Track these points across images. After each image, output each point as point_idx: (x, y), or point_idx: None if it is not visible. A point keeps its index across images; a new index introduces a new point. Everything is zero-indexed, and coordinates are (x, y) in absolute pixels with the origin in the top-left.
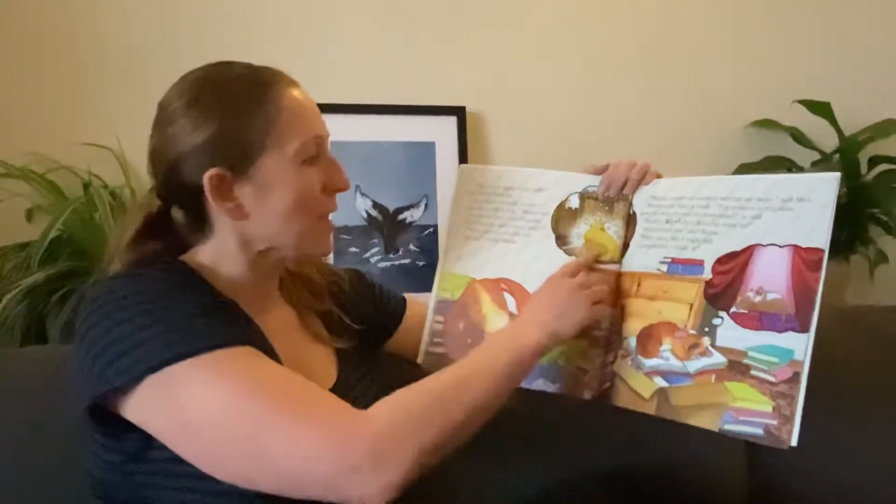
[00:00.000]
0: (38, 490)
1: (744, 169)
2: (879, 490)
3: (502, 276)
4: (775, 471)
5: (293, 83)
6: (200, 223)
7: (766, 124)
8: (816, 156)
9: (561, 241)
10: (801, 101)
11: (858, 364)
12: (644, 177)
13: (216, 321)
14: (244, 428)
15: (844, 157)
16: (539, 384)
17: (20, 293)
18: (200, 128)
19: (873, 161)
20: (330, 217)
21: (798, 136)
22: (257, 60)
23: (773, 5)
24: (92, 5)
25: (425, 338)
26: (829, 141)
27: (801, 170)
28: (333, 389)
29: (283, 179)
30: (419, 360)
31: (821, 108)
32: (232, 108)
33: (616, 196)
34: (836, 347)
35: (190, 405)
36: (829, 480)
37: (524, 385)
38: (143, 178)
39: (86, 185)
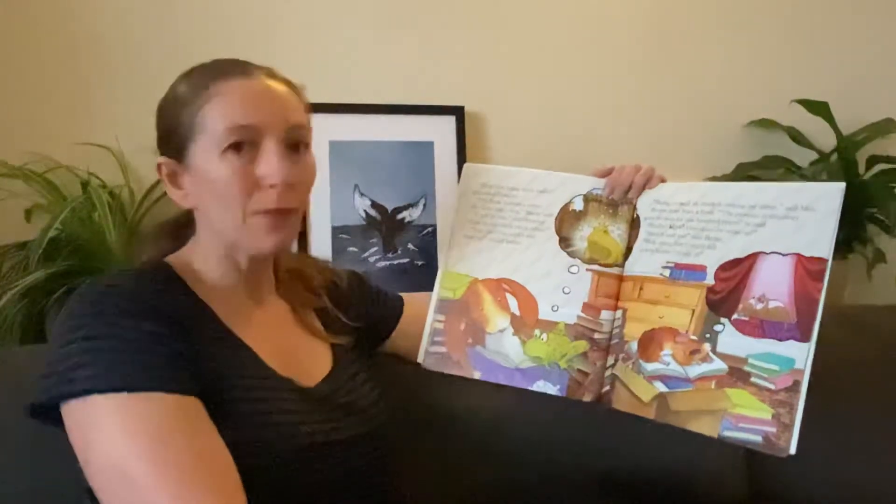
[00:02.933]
0: (38, 488)
1: (742, 168)
2: (877, 489)
3: (505, 277)
4: (774, 471)
5: (251, 73)
6: (190, 215)
7: (765, 124)
8: (814, 155)
9: (564, 243)
10: (800, 101)
11: (856, 363)
12: (649, 181)
13: (160, 360)
14: (131, 487)
15: (842, 157)
16: (539, 386)
17: (19, 292)
18: (159, 122)
19: (871, 160)
20: (290, 214)
21: (796, 136)
22: (256, 60)
23: (771, 5)
24: (91, 4)
25: (426, 337)
26: (828, 140)
27: (799, 169)
28: (325, 382)
29: (207, 169)
30: (419, 358)
31: (819, 108)
32: (176, 99)
33: (620, 199)
34: (833, 347)
35: (95, 445)
36: (828, 481)
37: (525, 386)
38: (142, 178)
39: (84, 185)
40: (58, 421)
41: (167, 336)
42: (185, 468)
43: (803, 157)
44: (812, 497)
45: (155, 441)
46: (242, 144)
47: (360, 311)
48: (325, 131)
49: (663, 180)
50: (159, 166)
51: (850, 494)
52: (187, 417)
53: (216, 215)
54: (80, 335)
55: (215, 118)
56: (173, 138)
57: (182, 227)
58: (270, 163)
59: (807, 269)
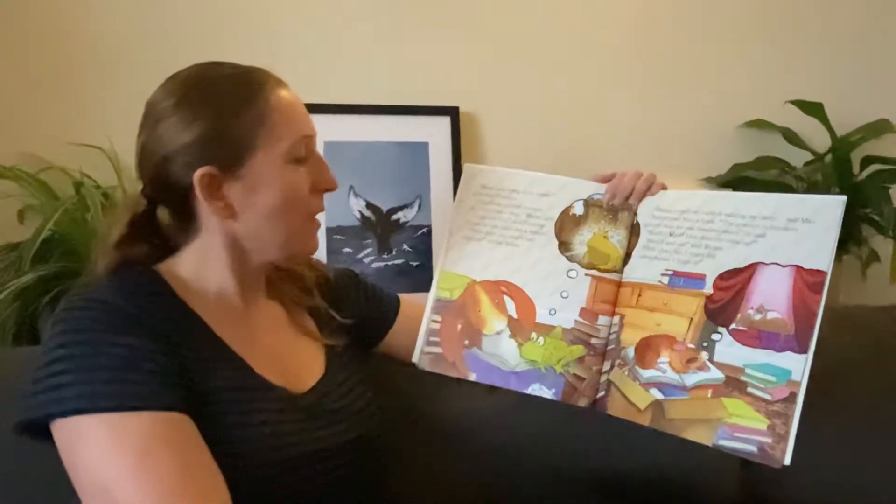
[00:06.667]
0: (31, 491)
1: (737, 169)
2: (870, 490)
3: (503, 279)
4: (767, 474)
5: (281, 83)
6: (187, 222)
7: (759, 124)
8: (809, 156)
9: (564, 247)
10: (794, 102)
11: (850, 364)
12: (650, 188)
13: (146, 377)
14: None
15: (837, 158)
16: (534, 389)
17: (12, 294)
18: (190, 127)
19: (865, 161)
20: (318, 217)
21: (791, 137)
22: (250, 60)
23: (765, 6)
24: (84, 4)
25: (421, 337)
26: (822, 141)
27: (793, 169)
28: (318, 385)
29: (271, 179)
30: (414, 359)
31: (813, 109)
32: (221, 107)
33: (621, 205)
34: (827, 347)
35: (82, 464)
36: (821, 483)
37: (520, 390)
38: (136, 179)
39: (77, 186)
40: (46, 437)
41: (154, 351)
42: (172, 486)
43: (798, 158)
44: (805, 500)
45: (141, 460)
46: (304, 155)
47: (355, 310)
48: (319, 132)
49: (664, 187)
50: (201, 176)
51: (843, 497)
52: (174, 434)
53: (268, 224)
54: (66, 352)
55: (283, 128)
56: (226, 146)
57: (140, 231)
58: (328, 171)
59: (806, 281)
